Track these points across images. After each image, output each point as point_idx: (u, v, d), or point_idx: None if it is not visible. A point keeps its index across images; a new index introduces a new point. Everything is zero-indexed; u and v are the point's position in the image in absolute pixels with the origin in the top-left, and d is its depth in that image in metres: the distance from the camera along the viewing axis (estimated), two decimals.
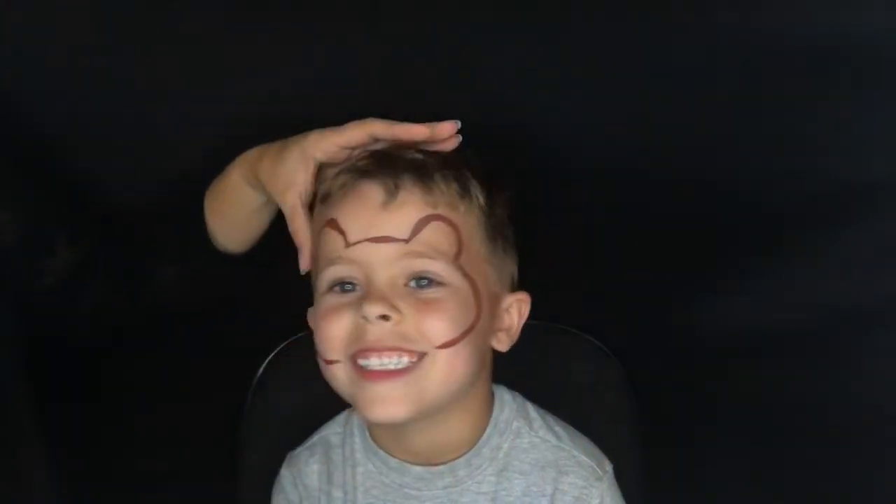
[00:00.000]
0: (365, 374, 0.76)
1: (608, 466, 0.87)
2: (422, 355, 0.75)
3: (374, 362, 0.75)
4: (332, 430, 0.90)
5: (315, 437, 0.91)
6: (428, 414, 0.78)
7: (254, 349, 1.06)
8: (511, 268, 0.83)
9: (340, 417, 0.91)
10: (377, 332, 0.75)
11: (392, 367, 0.75)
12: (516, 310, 0.83)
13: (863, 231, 0.85)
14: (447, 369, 0.76)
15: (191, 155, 0.93)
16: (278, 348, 1.06)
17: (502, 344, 0.83)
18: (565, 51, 0.85)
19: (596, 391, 1.05)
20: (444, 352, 0.75)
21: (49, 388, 0.93)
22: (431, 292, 0.76)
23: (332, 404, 0.92)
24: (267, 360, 1.06)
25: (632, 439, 1.02)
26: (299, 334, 1.05)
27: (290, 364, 1.06)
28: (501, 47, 0.85)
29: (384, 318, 0.74)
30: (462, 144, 0.81)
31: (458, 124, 0.80)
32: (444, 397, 0.78)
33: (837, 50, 0.78)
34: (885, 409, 0.85)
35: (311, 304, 0.84)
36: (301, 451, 0.91)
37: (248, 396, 1.06)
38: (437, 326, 0.75)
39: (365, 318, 0.75)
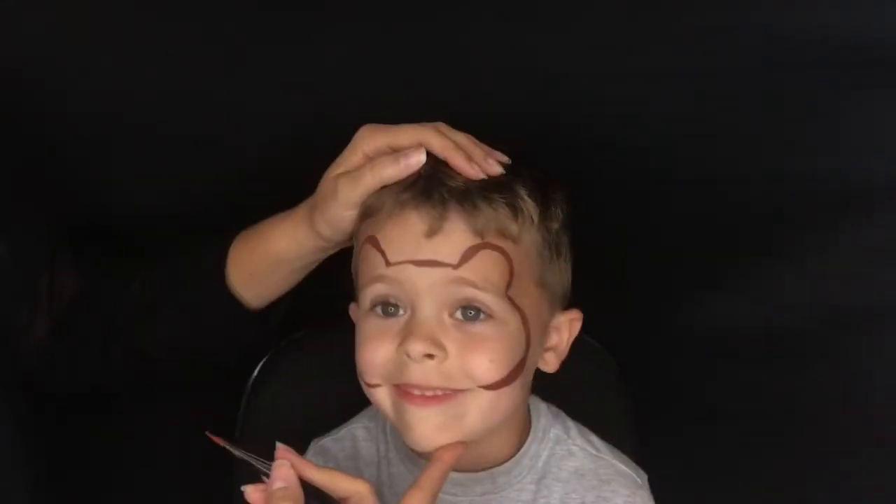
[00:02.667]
0: (406, 396, 0.74)
1: (644, 477, 0.86)
2: (464, 391, 0.73)
3: (415, 391, 0.73)
4: (360, 424, 0.88)
5: (342, 431, 0.89)
6: (472, 439, 0.76)
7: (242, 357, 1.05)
8: (565, 285, 0.80)
9: (370, 411, 0.89)
10: (421, 370, 0.73)
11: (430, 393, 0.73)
12: (567, 328, 0.80)
13: (863, 231, 0.85)
14: (489, 408, 0.74)
15: (187, 170, 0.93)
16: (275, 348, 1.06)
17: (549, 365, 0.80)
18: (568, 47, 0.85)
19: (592, 389, 1.05)
20: (488, 392, 0.73)
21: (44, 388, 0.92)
22: (479, 327, 0.73)
23: (329, 403, 0.92)
24: (264, 360, 1.06)
25: (628, 438, 1.02)
26: (297, 334, 1.05)
27: (287, 363, 1.06)
28: (508, 42, 0.85)
29: (429, 356, 0.72)
30: (515, 154, 0.78)
31: (507, 160, 0.77)
32: (485, 429, 0.76)
33: (837, 50, 0.78)
34: (885, 409, 0.85)
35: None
36: (328, 442, 0.89)
37: (245, 396, 1.06)
38: (484, 367, 0.73)
39: (408, 355, 0.72)
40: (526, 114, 0.89)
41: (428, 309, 0.73)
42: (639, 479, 0.85)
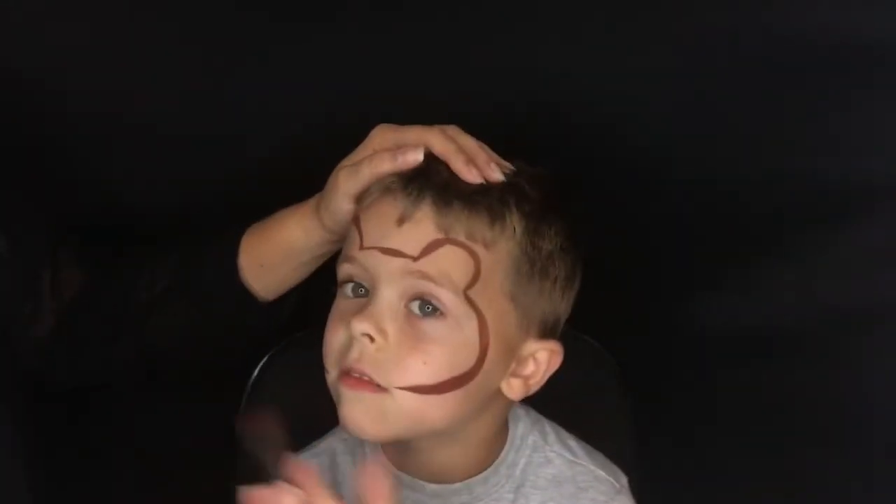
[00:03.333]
0: (344, 378, 0.74)
1: (623, 480, 0.85)
2: (385, 390, 0.72)
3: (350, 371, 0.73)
4: (339, 436, 0.88)
5: (321, 445, 0.89)
6: (405, 441, 0.76)
7: (250, 349, 1.05)
8: (547, 310, 0.77)
9: None
10: (359, 350, 0.73)
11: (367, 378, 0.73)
12: (545, 359, 0.78)
13: (863, 231, 0.85)
14: (413, 413, 0.73)
15: (183, 167, 0.92)
16: (274, 348, 1.06)
17: (514, 392, 0.77)
18: (568, 48, 0.85)
19: (592, 390, 1.05)
20: (414, 396, 0.72)
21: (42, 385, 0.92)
22: (429, 324, 0.73)
23: (328, 404, 0.92)
24: (264, 360, 1.06)
25: (628, 439, 1.02)
26: (297, 333, 1.05)
27: (287, 364, 1.05)
28: (508, 43, 0.85)
29: (369, 338, 0.72)
30: (523, 164, 0.78)
31: (513, 169, 0.77)
32: (418, 436, 0.76)
33: (838, 50, 0.78)
34: (885, 409, 0.85)
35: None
36: (307, 456, 0.88)
37: (245, 396, 1.05)
38: (416, 367, 0.72)
39: (351, 333, 0.73)
40: (526, 114, 0.89)
41: (386, 295, 0.73)
42: (617, 484, 0.84)
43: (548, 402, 0.91)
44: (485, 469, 0.82)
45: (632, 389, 1.06)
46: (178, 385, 0.98)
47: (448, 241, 0.73)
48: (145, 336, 0.90)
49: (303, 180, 0.84)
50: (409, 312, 0.73)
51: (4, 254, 0.85)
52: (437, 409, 0.74)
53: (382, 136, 0.79)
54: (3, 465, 0.83)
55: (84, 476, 1.00)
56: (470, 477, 0.82)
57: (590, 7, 0.83)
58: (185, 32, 0.85)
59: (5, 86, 0.83)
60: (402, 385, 0.72)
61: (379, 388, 0.72)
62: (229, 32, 0.85)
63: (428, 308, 0.73)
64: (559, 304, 0.78)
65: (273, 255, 0.86)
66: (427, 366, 0.72)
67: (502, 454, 0.83)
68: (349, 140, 0.81)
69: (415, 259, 0.72)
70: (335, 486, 0.85)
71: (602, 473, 0.84)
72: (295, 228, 0.85)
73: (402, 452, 0.80)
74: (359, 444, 0.86)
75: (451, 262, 0.72)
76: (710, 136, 0.88)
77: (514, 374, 0.77)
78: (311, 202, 0.84)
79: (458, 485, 0.81)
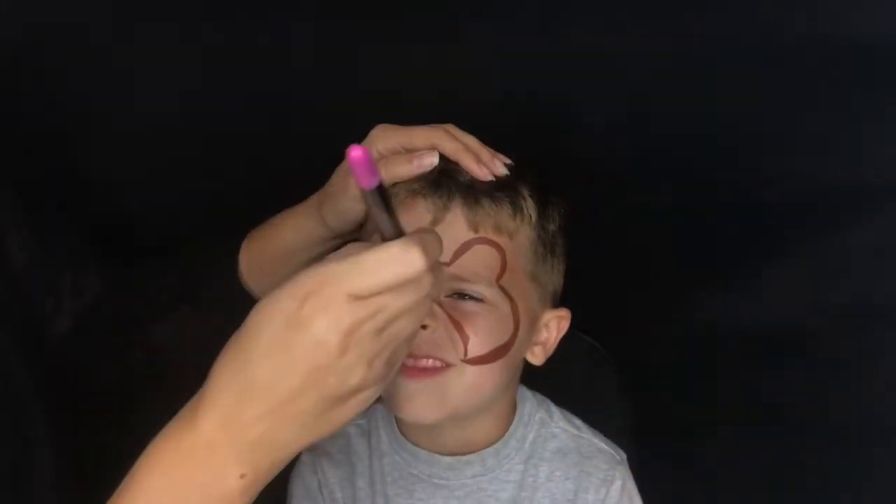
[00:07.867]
0: (404, 370, 0.76)
1: (623, 455, 0.91)
2: (450, 365, 0.77)
3: (409, 362, 0.76)
4: (352, 422, 0.90)
5: None
6: (457, 417, 0.80)
7: None
8: (556, 283, 0.84)
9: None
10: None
11: (422, 364, 0.77)
12: (555, 325, 0.84)
13: (863, 231, 0.85)
14: (474, 385, 0.78)
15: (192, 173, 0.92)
16: None
17: (537, 358, 0.84)
18: (569, 48, 0.85)
19: (592, 389, 1.06)
20: (473, 368, 0.77)
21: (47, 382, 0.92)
22: (470, 305, 0.78)
23: None
24: None
25: (627, 438, 1.03)
26: None
27: None
28: (510, 41, 0.85)
29: (421, 326, 0.75)
30: (517, 157, 0.81)
31: (511, 162, 0.80)
32: (471, 407, 0.80)
33: (838, 50, 0.78)
34: (886, 409, 0.85)
35: None
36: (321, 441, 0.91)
37: None
38: (469, 339, 0.77)
39: None
40: (527, 114, 0.89)
41: None
42: (618, 456, 0.90)
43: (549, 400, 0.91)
44: (496, 443, 0.87)
45: (631, 389, 1.06)
46: (181, 387, 0.98)
47: (477, 240, 0.77)
48: (153, 342, 0.90)
49: (302, 180, 0.84)
50: (449, 299, 0.78)
51: (29, 250, 0.85)
52: (490, 379, 0.79)
53: (384, 136, 0.80)
54: (39, 467, 0.83)
55: (84, 476, 1.00)
56: (482, 449, 0.87)
57: (591, 7, 0.83)
58: (186, 34, 0.85)
59: (29, 90, 0.84)
60: (464, 359, 0.77)
61: (444, 366, 0.77)
62: (230, 33, 0.85)
63: (465, 296, 0.78)
64: (561, 275, 0.85)
65: (273, 258, 0.87)
66: (478, 336, 0.77)
67: (511, 428, 0.88)
68: (348, 140, 0.81)
69: (448, 264, 0.76)
70: (350, 465, 0.89)
71: (604, 446, 0.90)
72: (293, 229, 0.86)
73: (423, 430, 0.86)
74: (374, 427, 0.90)
75: (483, 261, 0.77)
76: (711, 136, 0.88)
77: (535, 343, 0.84)
78: (312, 202, 0.85)
79: (471, 456, 0.87)
